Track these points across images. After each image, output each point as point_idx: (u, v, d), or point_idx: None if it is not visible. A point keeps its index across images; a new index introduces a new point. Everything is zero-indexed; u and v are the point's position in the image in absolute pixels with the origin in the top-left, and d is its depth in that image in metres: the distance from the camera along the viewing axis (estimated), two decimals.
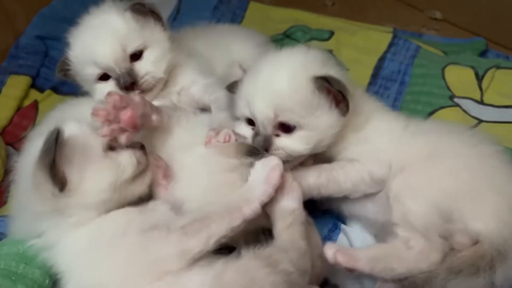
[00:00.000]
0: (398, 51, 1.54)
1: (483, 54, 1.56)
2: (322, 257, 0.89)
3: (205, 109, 1.15)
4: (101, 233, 0.80)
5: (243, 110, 0.97)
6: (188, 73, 1.15)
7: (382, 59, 1.53)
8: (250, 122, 0.98)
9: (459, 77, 1.42)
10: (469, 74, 1.43)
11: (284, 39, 1.60)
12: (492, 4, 1.61)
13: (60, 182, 0.79)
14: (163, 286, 0.75)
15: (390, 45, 1.56)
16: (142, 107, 0.92)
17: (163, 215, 0.84)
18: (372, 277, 0.94)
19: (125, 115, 0.87)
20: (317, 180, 0.99)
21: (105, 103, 0.87)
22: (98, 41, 1.04)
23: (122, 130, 0.88)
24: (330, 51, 1.55)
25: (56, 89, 1.49)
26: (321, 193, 1.00)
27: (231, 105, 1.07)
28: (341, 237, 1.08)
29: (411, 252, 0.90)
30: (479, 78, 1.42)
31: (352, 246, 1.02)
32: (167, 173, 0.96)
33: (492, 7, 1.62)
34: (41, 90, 1.49)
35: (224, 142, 0.95)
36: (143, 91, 1.08)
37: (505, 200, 0.91)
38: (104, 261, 0.77)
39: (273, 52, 1.02)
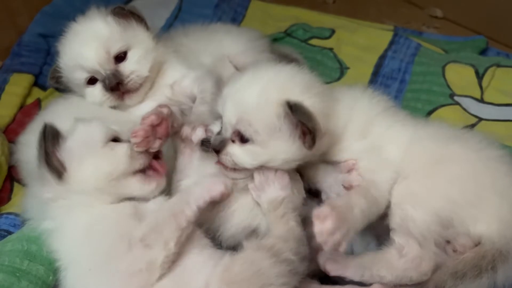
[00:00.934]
0: (399, 49, 1.55)
1: (483, 52, 1.57)
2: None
3: None
4: (93, 226, 0.84)
5: (219, 107, 0.96)
6: (177, 67, 1.18)
7: (382, 57, 1.53)
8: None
9: (460, 75, 1.43)
10: (470, 72, 1.44)
11: (285, 37, 1.61)
12: (493, 2, 1.62)
13: (56, 170, 0.85)
14: (171, 282, 0.78)
15: (391, 43, 1.57)
16: (171, 117, 0.98)
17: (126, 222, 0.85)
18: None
19: (161, 128, 0.94)
20: (366, 203, 0.93)
21: (142, 124, 0.92)
22: (82, 46, 1.10)
23: (157, 139, 0.94)
24: (331, 49, 1.56)
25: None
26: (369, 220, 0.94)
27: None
28: None
29: (402, 260, 0.91)
30: (480, 76, 1.43)
31: (353, 247, 1.03)
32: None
33: (492, 5, 1.62)
34: (44, 88, 1.49)
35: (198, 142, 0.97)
36: (129, 91, 1.11)
37: (507, 202, 0.92)
38: (93, 257, 0.81)
39: (269, 63, 1.01)
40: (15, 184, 1.22)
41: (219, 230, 0.96)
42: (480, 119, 1.33)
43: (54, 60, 1.52)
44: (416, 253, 0.90)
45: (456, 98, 1.38)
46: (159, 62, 1.15)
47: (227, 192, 0.90)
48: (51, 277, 0.88)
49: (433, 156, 0.96)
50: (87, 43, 1.09)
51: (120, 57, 1.11)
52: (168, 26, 1.68)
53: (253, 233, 0.95)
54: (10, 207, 1.14)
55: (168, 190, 0.98)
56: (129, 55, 1.11)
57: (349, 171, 0.96)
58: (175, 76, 1.16)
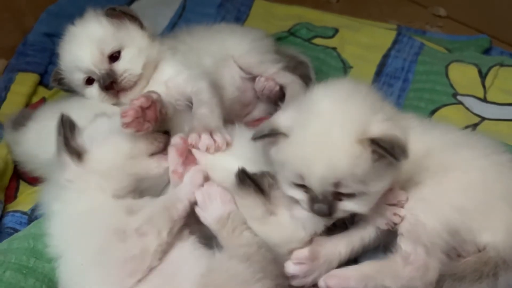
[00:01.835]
0: (402, 48, 1.55)
1: (487, 51, 1.57)
2: None
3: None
4: (93, 214, 0.88)
5: (293, 177, 0.88)
6: (172, 64, 1.19)
7: (386, 56, 1.53)
8: (299, 184, 0.89)
9: (463, 75, 1.43)
10: (473, 71, 1.44)
11: (288, 36, 1.61)
12: (496, 1, 1.62)
13: (76, 152, 0.91)
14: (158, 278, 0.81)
15: (394, 42, 1.57)
16: (160, 102, 0.99)
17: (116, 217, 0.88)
18: None
19: (150, 111, 0.95)
20: (349, 254, 0.95)
21: (132, 105, 0.94)
22: (78, 48, 1.13)
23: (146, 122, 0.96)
24: (334, 49, 1.56)
25: None
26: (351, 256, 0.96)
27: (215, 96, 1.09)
28: None
29: (407, 269, 0.89)
30: (483, 76, 1.43)
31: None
32: (187, 160, 0.98)
33: (496, 4, 1.62)
34: (49, 87, 1.51)
35: (207, 150, 0.97)
36: (123, 89, 1.14)
37: None
38: (88, 244, 0.84)
39: (316, 108, 0.88)
40: (21, 182, 1.23)
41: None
42: (483, 118, 1.33)
43: (58, 59, 1.55)
44: (423, 262, 0.89)
45: (459, 97, 1.38)
46: (154, 59, 1.18)
47: (207, 175, 0.93)
48: (57, 275, 0.88)
49: (444, 164, 0.95)
50: (82, 45, 1.13)
51: (115, 57, 1.14)
52: (172, 25, 1.69)
53: None
54: (16, 205, 1.15)
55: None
56: (122, 54, 1.14)
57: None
58: (169, 73, 1.18)
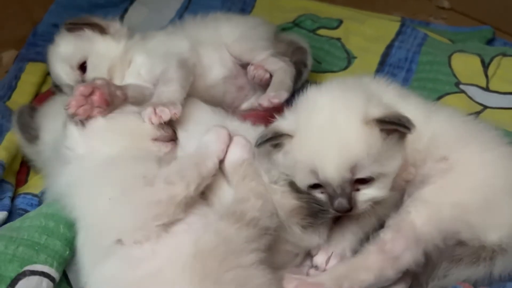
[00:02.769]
0: (406, 39, 1.56)
1: (490, 42, 1.58)
2: None
3: None
4: (117, 158, 0.91)
5: (306, 179, 0.88)
6: (141, 54, 1.21)
7: (389, 47, 1.55)
8: (314, 185, 0.90)
9: (465, 65, 1.45)
10: (475, 61, 1.45)
11: (293, 27, 1.63)
12: None
13: (81, 122, 0.96)
14: (149, 247, 0.81)
15: (398, 34, 1.58)
16: (106, 87, 1.02)
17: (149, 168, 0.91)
18: None
19: (95, 96, 0.99)
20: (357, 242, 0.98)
21: (72, 95, 0.98)
22: (54, 67, 1.22)
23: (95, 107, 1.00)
24: (339, 39, 1.58)
25: None
26: None
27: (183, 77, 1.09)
28: None
29: (379, 258, 0.88)
30: (485, 66, 1.44)
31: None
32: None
33: None
34: None
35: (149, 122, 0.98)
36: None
37: None
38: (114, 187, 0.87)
39: (315, 104, 0.91)
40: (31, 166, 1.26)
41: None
42: (485, 107, 1.35)
43: None
44: (397, 253, 0.88)
45: (461, 86, 1.40)
46: (121, 58, 1.21)
47: (230, 133, 0.96)
48: (67, 252, 0.91)
49: (446, 158, 0.95)
50: (56, 64, 1.21)
51: (84, 67, 1.19)
52: (179, 17, 1.71)
53: None
54: (27, 188, 1.18)
55: None
56: (87, 63, 1.19)
57: None
58: (140, 62, 1.20)
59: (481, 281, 0.91)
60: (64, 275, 0.94)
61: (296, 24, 1.64)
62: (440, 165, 0.95)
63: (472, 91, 1.39)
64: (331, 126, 0.86)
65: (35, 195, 1.14)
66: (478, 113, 1.33)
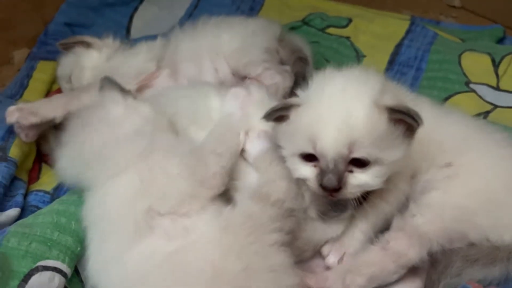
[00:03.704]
0: (415, 38, 1.56)
1: (500, 41, 1.57)
2: None
3: None
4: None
5: (303, 145, 0.85)
6: (120, 58, 1.36)
7: (399, 46, 1.55)
8: (308, 157, 0.86)
9: (476, 64, 1.44)
10: (486, 60, 1.44)
11: (302, 26, 1.63)
12: None
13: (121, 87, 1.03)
14: (188, 221, 0.84)
15: (408, 32, 1.58)
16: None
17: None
18: None
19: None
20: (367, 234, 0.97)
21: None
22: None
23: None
24: (348, 38, 1.58)
25: None
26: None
27: None
28: None
29: (380, 254, 0.89)
30: (496, 65, 1.43)
31: None
32: None
33: None
34: None
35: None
36: None
37: None
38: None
39: (331, 78, 0.89)
40: (43, 164, 1.28)
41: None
42: (495, 106, 1.34)
43: None
44: (398, 250, 0.88)
45: (471, 85, 1.39)
46: (103, 66, 1.33)
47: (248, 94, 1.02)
48: (79, 248, 0.92)
49: (454, 161, 0.94)
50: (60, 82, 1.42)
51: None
52: (188, 15, 1.72)
53: None
54: (39, 186, 1.20)
55: None
56: (72, 76, 1.36)
57: None
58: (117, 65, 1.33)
59: (495, 281, 0.91)
60: (76, 271, 0.95)
61: (305, 22, 1.64)
62: (445, 171, 0.94)
63: (482, 90, 1.38)
64: (340, 99, 0.84)
65: (47, 192, 1.16)
66: (488, 112, 1.32)
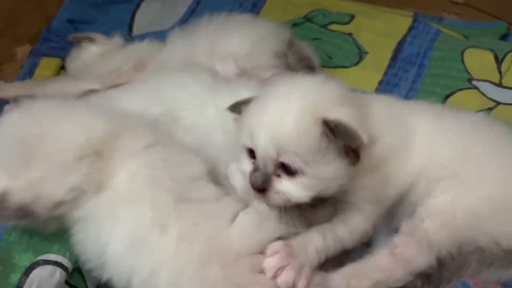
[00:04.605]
0: (418, 35, 1.56)
1: (504, 38, 1.56)
2: None
3: None
4: None
5: (246, 139, 0.86)
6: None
7: (401, 42, 1.54)
8: (251, 153, 0.86)
9: (478, 60, 1.43)
10: (489, 57, 1.44)
11: (304, 22, 1.63)
12: None
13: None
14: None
15: (410, 29, 1.58)
16: None
17: None
18: None
19: None
20: (323, 243, 0.87)
21: None
22: None
23: None
24: (350, 35, 1.58)
25: None
26: (327, 256, 0.88)
27: None
28: None
29: (389, 259, 0.87)
30: (499, 61, 1.43)
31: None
32: None
33: None
34: None
35: None
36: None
37: None
38: None
39: (284, 81, 0.90)
40: None
41: None
42: (498, 103, 1.33)
43: None
44: (408, 256, 0.86)
45: (474, 82, 1.39)
46: (99, 62, 1.38)
47: None
48: None
49: (455, 169, 0.91)
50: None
51: None
52: (190, 12, 1.72)
53: None
54: None
55: None
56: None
57: None
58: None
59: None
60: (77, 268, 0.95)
61: (307, 19, 1.64)
62: (452, 177, 0.92)
63: (484, 87, 1.37)
64: (281, 101, 0.83)
65: None
66: (490, 109, 1.31)
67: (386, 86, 1.45)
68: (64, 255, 0.89)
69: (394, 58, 1.52)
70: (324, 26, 1.61)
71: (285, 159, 0.81)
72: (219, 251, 0.81)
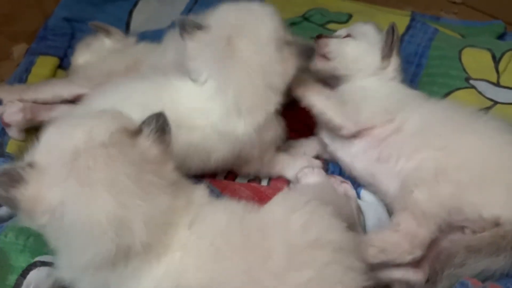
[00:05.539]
0: (416, 34, 1.55)
1: (501, 37, 1.57)
2: None
3: None
4: None
5: None
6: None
7: (399, 42, 1.54)
8: None
9: (476, 60, 1.43)
10: (486, 56, 1.44)
11: (302, 21, 1.62)
12: None
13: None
14: None
15: (408, 28, 1.57)
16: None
17: None
18: None
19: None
20: None
21: None
22: None
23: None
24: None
25: None
26: None
27: None
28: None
29: (395, 235, 0.92)
30: (496, 61, 1.43)
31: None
32: None
33: None
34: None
35: None
36: None
37: None
38: None
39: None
40: None
41: None
42: (496, 102, 1.33)
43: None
44: (412, 230, 0.92)
45: (471, 81, 1.39)
46: (109, 56, 1.40)
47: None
48: None
49: (442, 142, 0.98)
50: None
51: None
52: (188, 11, 1.71)
53: None
54: None
55: None
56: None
57: None
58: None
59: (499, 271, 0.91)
60: None
61: (305, 18, 1.63)
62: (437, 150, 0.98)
63: (482, 86, 1.38)
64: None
65: None
66: (488, 108, 1.32)
67: None
68: None
69: None
70: (322, 25, 1.61)
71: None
72: None
